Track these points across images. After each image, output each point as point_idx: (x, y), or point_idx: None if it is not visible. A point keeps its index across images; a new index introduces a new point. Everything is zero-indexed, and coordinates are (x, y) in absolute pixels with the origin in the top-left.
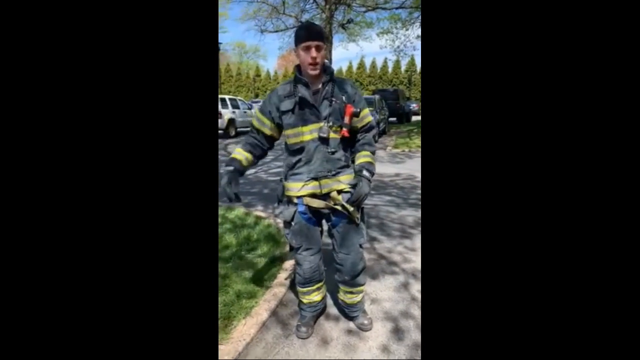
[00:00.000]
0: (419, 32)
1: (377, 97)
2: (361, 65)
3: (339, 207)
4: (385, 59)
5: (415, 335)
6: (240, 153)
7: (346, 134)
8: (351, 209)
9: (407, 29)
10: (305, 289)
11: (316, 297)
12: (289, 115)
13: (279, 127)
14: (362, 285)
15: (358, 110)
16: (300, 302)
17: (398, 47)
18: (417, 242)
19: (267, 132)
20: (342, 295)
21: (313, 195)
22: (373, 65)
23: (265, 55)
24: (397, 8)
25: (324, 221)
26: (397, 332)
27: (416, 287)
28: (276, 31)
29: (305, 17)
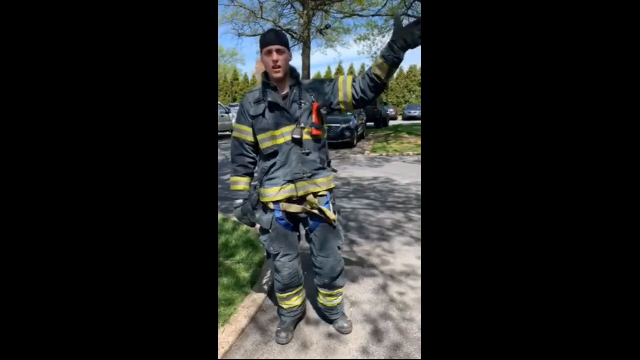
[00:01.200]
0: None
1: None
2: (339, 70)
3: (316, 211)
4: (363, 64)
5: (394, 336)
6: (239, 182)
7: (314, 132)
8: (329, 212)
9: (383, 36)
10: (284, 295)
11: (296, 301)
12: (260, 120)
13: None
14: (342, 287)
15: (323, 103)
16: (280, 307)
17: (375, 53)
18: (395, 244)
19: (252, 139)
20: (322, 299)
21: (289, 200)
22: (351, 70)
23: (243, 59)
24: (373, 16)
25: (301, 226)
26: (377, 334)
27: (394, 289)
28: (254, 35)
29: (283, 22)
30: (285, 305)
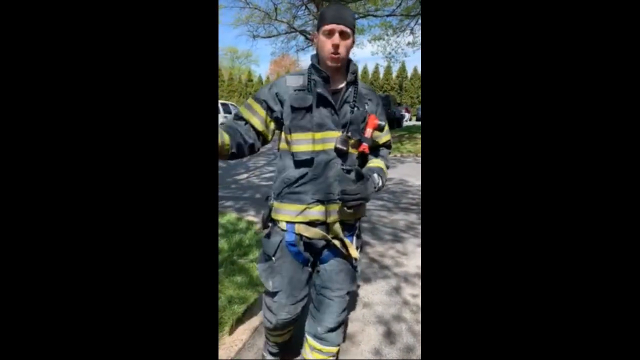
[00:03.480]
0: (409, 39)
1: None
2: None
3: (337, 242)
4: (377, 64)
5: (407, 338)
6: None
7: (366, 150)
8: (352, 247)
9: (398, 36)
10: (273, 333)
11: (285, 337)
12: (300, 115)
13: (277, 125)
14: (336, 346)
15: (383, 123)
16: (266, 338)
17: (389, 53)
18: (408, 245)
19: (258, 125)
20: (307, 353)
21: (311, 223)
22: (365, 71)
23: (257, 60)
24: (388, 16)
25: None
26: (389, 336)
27: (408, 291)
28: (268, 37)
29: (298, 23)
30: (272, 338)
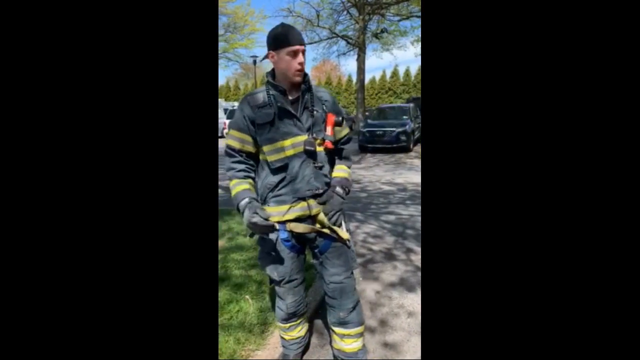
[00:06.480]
0: None
1: (411, 105)
2: (395, 73)
3: (327, 231)
4: (419, 67)
5: None
6: (242, 182)
7: (330, 146)
8: (342, 231)
9: None
10: (287, 325)
11: (300, 332)
12: (266, 129)
13: (256, 141)
14: (360, 325)
15: (340, 119)
16: (282, 338)
17: None
18: None
19: (252, 149)
20: (338, 343)
21: (298, 219)
22: (407, 73)
23: None
24: None
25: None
26: None
27: None
28: (310, 43)
29: (339, 28)
30: (288, 336)
